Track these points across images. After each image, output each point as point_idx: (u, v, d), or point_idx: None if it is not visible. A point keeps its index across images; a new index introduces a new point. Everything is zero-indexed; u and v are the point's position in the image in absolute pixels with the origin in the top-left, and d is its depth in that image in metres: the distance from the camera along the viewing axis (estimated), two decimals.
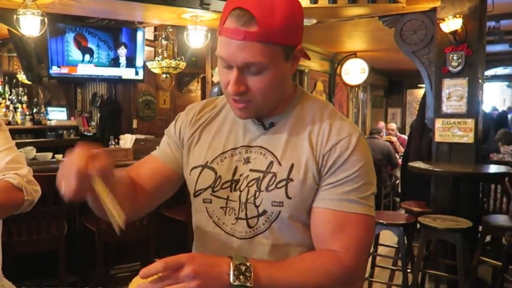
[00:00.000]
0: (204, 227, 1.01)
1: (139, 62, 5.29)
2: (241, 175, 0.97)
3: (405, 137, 7.81)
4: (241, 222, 0.96)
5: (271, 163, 0.94)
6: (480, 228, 3.20)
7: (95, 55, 5.09)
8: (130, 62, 5.27)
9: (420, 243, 2.90)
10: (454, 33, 3.38)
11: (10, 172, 1.15)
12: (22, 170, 1.18)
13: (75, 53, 5.00)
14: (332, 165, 0.92)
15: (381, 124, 7.92)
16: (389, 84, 10.85)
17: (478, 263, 3.08)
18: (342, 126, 0.95)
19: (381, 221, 2.88)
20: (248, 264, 0.80)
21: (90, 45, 5.05)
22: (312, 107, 0.99)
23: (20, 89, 5.93)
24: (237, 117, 0.97)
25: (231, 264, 0.79)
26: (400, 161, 6.42)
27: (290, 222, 0.94)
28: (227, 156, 0.99)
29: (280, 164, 0.94)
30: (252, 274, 0.79)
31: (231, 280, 0.78)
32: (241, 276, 0.78)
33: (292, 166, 0.93)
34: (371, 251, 3.14)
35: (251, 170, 0.96)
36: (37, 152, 3.25)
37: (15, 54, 6.10)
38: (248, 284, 0.78)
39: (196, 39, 4.23)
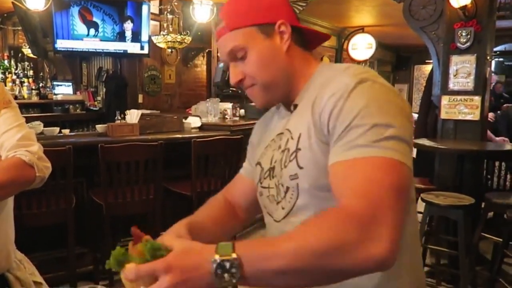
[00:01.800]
0: (265, 218, 1.05)
1: (144, 36, 5.26)
2: (275, 162, 0.97)
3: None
4: (280, 206, 0.96)
5: (287, 140, 0.94)
6: (483, 204, 3.23)
7: (100, 29, 5.07)
8: (136, 37, 5.24)
9: (422, 219, 2.93)
10: (463, 8, 3.32)
11: (21, 149, 1.17)
12: (33, 147, 1.20)
13: (80, 27, 4.98)
14: (329, 119, 0.83)
15: None
16: (396, 60, 10.73)
17: (479, 239, 3.12)
18: (341, 78, 0.86)
19: None
20: (233, 257, 0.70)
21: (95, 19, 5.02)
22: (327, 74, 0.92)
23: (26, 63, 5.93)
24: (258, 107, 1.03)
25: (213, 262, 0.70)
26: None
27: (313, 194, 0.88)
28: (268, 148, 1.02)
29: (292, 138, 0.93)
30: (238, 269, 0.69)
31: (215, 283, 0.70)
32: (225, 275, 0.69)
33: (300, 136, 0.90)
34: None
35: (280, 153, 0.96)
36: (44, 126, 3.27)
37: (20, 28, 6.07)
38: (233, 280, 0.70)
39: (201, 13, 4.19)
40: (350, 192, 0.75)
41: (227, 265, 0.69)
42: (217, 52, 5.02)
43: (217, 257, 0.69)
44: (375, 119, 0.78)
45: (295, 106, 0.97)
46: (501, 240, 2.96)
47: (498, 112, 6.09)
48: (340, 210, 0.74)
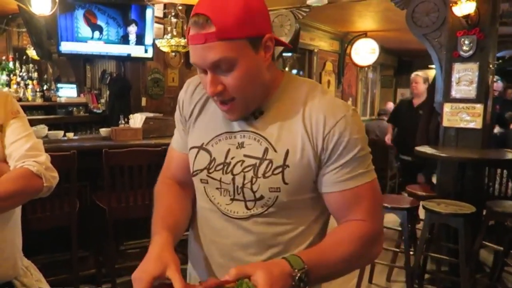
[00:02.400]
0: (202, 205, 1.08)
1: (148, 40, 5.28)
2: (232, 158, 0.99)
3: None
4: (238, 204, 1.00)
5: (266, 149, 0.96)
6: (484, 212, 3.23)
7: (104, 32, 5.09)
8: (140, 40, 5.26)
9: (423, 227, 2.94)
10: (466, 16, 3.34)
11: (29, 159, 1.19)
12: (41, 157, 1.23)
13: (84, 30, 4.99)
14: (334, 147, 0.94)
15: (390, 104, 7.89)
16: (399, 64, 10.72)
17: (480, 247, 3.13)
18: (336, 106, 0.96)
19: (386, 204, 2.92)
20: (306, 268, 0.86)
21: (99, 22, 5.04)
22: (301, 90, 0.99)
23: (31, 65, 5.96)
24: (232, 120, 0.99)
25: (294, 276, 0.84)
26: None
27: (286, 205, 0.98)
28: (222, 138, 1.02)
29: (275, 151, 0.96)
30: (310, 277, 0.86)
31: None
32: (300, 284, 0.85)
33: (287, 152, 0.95)
34: None
35: (245, 156, 0.98)
36: (48, 129, 3.30)
37: (24, 30, 6.10)
38: (304, 286, 0.86)
39: None
40: (366, 214, 0.98)
41: (303, 276, 0.85)
42: None
43: (296, 271, 0.85)
44: (366, 149, 0.98)
45: (261, 112, 0.99)
46: (501, 248, 2.97)
47: None
48: (366, 229, 0.97)
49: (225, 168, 1.00)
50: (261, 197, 0.97)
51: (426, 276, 3.30)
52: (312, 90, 0.99)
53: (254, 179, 0.96)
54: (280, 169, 0.95)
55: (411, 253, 3.07)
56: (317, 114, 0.95)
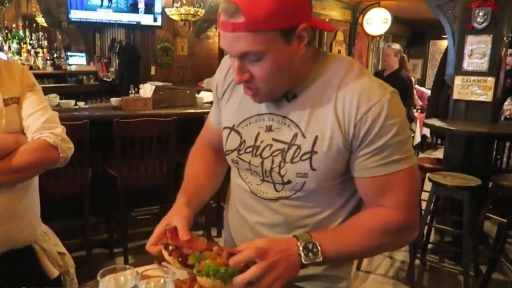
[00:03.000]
0: (236, 181, 1.12)
1: (157, 8, 5.25)
2: (262, 142, 1.00)
3: (424, 90, 7.69)
4: (268, 185, 1.02)
5: (295, 135, 0.96)
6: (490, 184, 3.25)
7: (113, 0, 5.06)
8: (149, 8, 5.23)
9: (429, 198, 2.97)
10: None
11: (46, 131, 1.24)
12: (57, 129, 1.27)
13: None
14: (366, 133, 0.90)
15: None
16: (412, 34, 10.50)
17: (485, 219, 3.17)
18: (371, 90, 0.91)
19: None
20: (313, 240, 0.88)
21: None
22: (336, 71, 0.95)
23: (40, 33, 5.96)
24: (255, 102, 0.99)
25: (299, 245, 0.88)
26: (417, 114, 6.38)
27: (314, 191, 0.98)
28: (252, 121, 1.02)
29: (304, 136, 0.95)
30: (319, 248, 0.88)
31: (303, 261, 0.87)
32: (310, 254, 0.87)
33: (316, 138, 0.93)
34: None
35: (274, 140, 0.98)
36: (59, 98, 3.33)
37: None
38: (317, 260, 0.88)
39: None
40: (398, 203, 0.95)
41: (310, 246, 0.88)
42: None
43: (301, 241, 0.88)
44: (403, 133, 0.92)
45: (294, 95, 0.97)
46: (505, 220, 3.01)
47: None
48: (394, 217, 0.95)
49: (254, 151, 1.01)
50: (289, 182, 0.98)
51: (430, 246, 3.37)
52: (348, 71, 0.94)
53: (282, 164, 0.97)
54: (308, 155, 0.94)
55: None
56: (350, 98, 0.91)
